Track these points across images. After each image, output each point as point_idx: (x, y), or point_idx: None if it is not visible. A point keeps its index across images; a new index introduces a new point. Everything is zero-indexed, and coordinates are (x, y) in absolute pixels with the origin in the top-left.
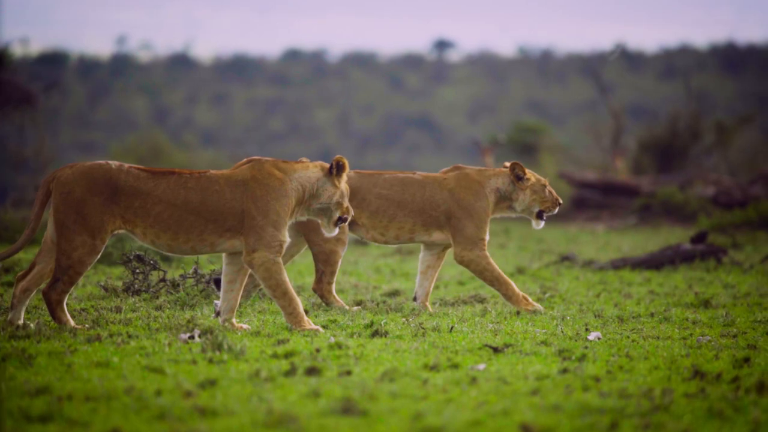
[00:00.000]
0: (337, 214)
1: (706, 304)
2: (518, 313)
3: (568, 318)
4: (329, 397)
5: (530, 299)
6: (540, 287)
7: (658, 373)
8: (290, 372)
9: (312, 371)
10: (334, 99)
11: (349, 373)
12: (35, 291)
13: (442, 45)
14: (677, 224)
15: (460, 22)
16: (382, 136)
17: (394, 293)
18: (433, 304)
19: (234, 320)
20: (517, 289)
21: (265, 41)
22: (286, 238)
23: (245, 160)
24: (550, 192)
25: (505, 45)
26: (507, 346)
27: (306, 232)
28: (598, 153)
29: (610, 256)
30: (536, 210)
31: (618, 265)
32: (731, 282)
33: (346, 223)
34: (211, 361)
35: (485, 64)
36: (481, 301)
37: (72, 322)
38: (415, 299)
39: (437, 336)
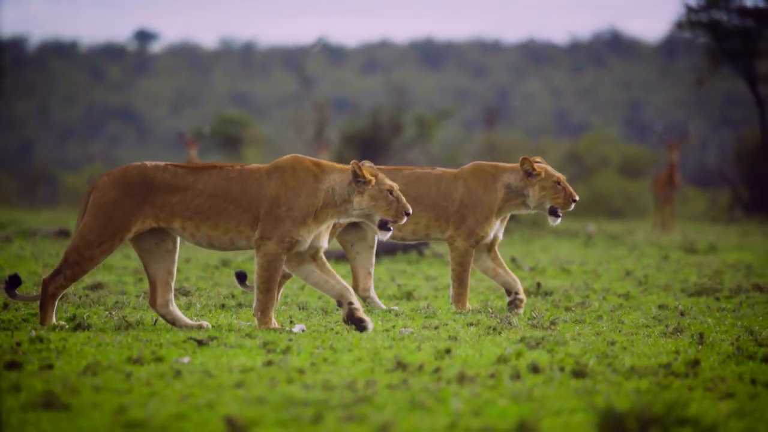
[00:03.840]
0: (377, 218)
1: (408, 296)
2: (223, 306)
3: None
4: (30, 391)
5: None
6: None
7: (361, 365)
8: None
9: (12, 365)
10: (33, 89)
11: (50, 366)
12: (171, 297)
13: (143, 36)
14: None
15: (161, 13)
16: (83, 128)
17: (97, 286)
18: (137, 297)
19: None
20: (467, 297)
21: None
22: (301, 237)
23: (287, 156)
24: (563, 188)
25: (207, 37)
26: (212, 338)
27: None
28: (302, 145)
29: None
30: (548, 206)
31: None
32: (433, 274)
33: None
34: None
35: (188, 55)
36: (186, 294)
37: (53, 321)
38: (509, 294)
39: (141, 329)
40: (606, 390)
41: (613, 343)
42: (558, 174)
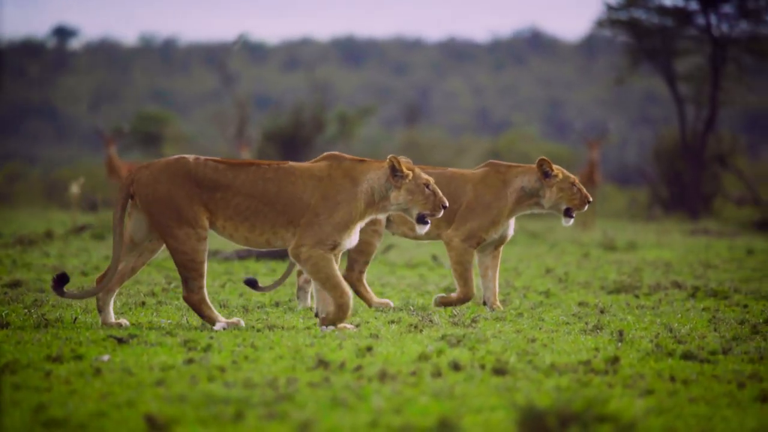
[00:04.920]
0: (415, 212)
1: None
2: (143, 303)
3: None
4: None
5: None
6: (165, 278)
7: (282, 363)
8: None
9: None
10: None
11: None
12: (117, 290)
13: (62, 32)
14: None
15: (81, 9)
16: (1, 126)
17: (16, 284)
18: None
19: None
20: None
21: None
22: (344, 241)
23: (324, 155)
24: (578, 190)
25: (127, 33)
26: (132, 336)
27: None
28: (224, 143)
29: (236, 246)
30: (563, 207)
31: (243, 255)
32: None
33: (384, 217)
34: None
35: (107, 52)
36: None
37: (221, 317)
38: (485, 303)
39: (61, 327)
40: (526, 387)
41: (533, 341)
42: (573, 176)
